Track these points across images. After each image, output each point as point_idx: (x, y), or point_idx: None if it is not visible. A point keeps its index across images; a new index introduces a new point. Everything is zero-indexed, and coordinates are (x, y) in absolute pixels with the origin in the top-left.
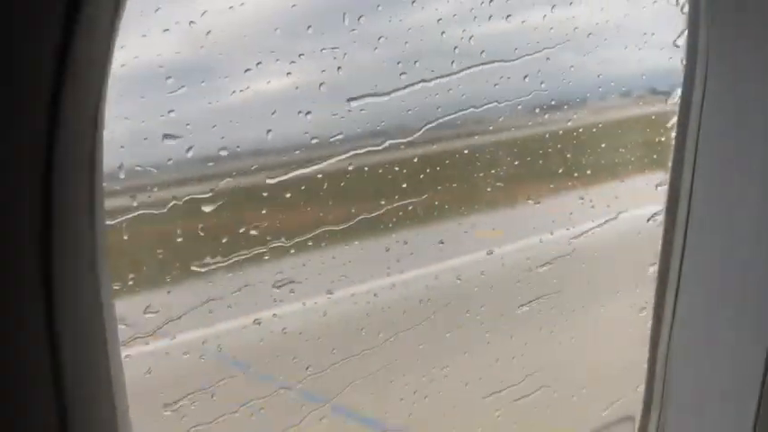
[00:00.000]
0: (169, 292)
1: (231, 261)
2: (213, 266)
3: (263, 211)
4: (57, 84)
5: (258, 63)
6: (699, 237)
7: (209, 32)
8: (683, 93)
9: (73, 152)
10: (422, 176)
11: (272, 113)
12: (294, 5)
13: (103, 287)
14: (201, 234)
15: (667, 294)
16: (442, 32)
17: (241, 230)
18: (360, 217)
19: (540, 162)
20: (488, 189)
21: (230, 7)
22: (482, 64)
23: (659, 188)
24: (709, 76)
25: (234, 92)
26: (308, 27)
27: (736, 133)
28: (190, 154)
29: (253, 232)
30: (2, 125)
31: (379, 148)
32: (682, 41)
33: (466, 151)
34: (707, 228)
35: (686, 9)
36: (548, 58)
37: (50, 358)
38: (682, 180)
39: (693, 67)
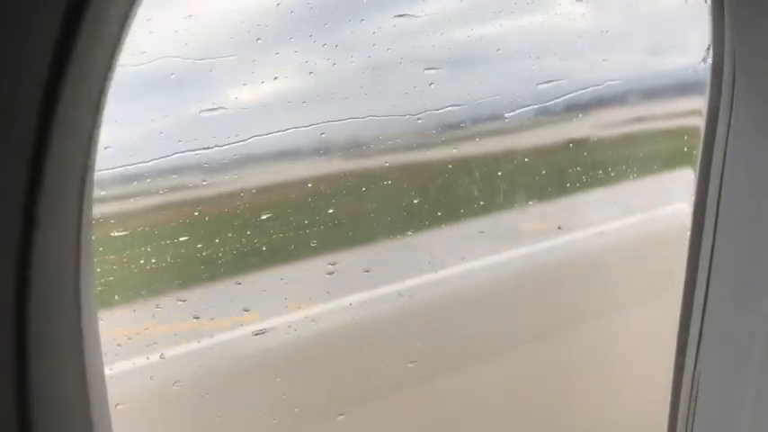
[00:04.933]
0: None
1: None
2: None
3: None
4: (53, 87)
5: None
6: (727, 245)
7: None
8: (710, 92)
9: (67, 160)
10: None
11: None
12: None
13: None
14: None
15: (695, 307)
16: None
17: None
18: None
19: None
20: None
21: (189, 15)
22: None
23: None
24: (737, 76)
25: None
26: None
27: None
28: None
29: None
30: None
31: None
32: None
33: None
34: (736, 237)
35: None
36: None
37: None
38: (709, 185)
39: (720, 67)
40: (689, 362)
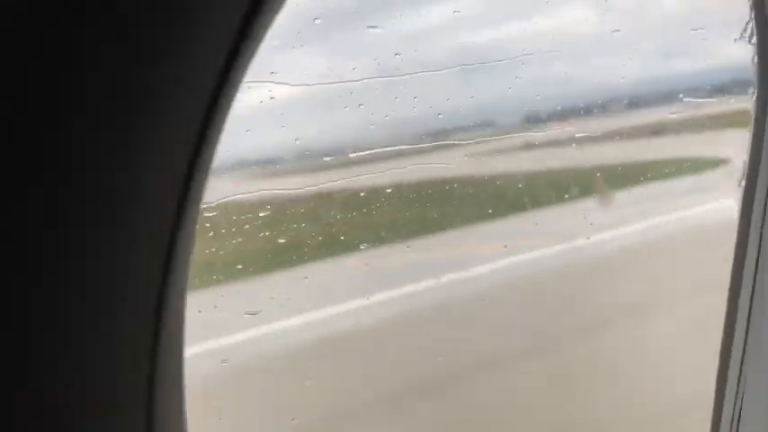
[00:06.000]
0: None
1: None
2: None
3: None
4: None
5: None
6: None
7: None
8: (759, 85)
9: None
10: None
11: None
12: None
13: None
14: None
15: (740, 304)
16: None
17: None
18: None
19: None
20: None
21: None
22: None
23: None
24: None
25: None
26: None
27: None
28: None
29: None
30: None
31: None
32: None
33: None
34: None
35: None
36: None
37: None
38: (758, 179)
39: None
40: (734, 362)
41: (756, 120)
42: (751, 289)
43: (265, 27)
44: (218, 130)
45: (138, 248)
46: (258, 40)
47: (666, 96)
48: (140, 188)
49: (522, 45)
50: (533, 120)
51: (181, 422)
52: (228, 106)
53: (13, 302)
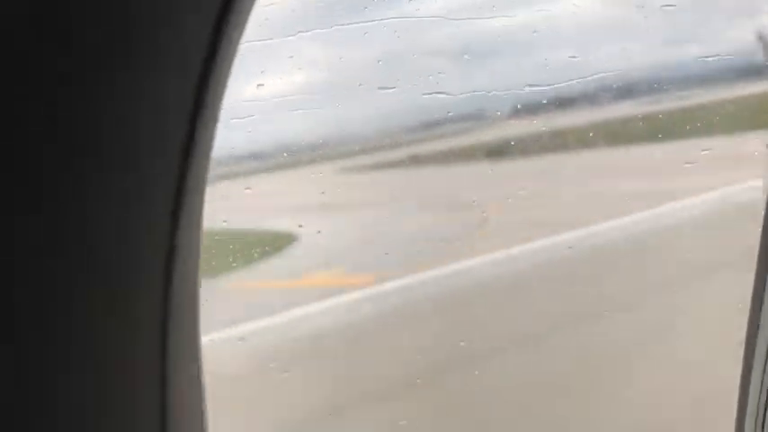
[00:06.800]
0: None
1: None
2: None
3: None
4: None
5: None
6: None
7: None
8: None
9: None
10: None
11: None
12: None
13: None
14: None
15: (767, 291)
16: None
17: None
18: None
19: None
20: None
21: None
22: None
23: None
24: None
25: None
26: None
27: None
28: None
29: None
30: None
31: None
32: None
33: None
34: None
35: None
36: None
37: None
38: None
39: None
40: (759, 350)
41: None
42: None
43: (241, 24)
44: (212, 123)
45: (139, 244)
46: (236, 36)
47: (672, 83)
48: (137, 182)
49: (525, 33)
50: (521, 112)
51: (200, 422)
52: (217, 98)
53: (17, 306)
